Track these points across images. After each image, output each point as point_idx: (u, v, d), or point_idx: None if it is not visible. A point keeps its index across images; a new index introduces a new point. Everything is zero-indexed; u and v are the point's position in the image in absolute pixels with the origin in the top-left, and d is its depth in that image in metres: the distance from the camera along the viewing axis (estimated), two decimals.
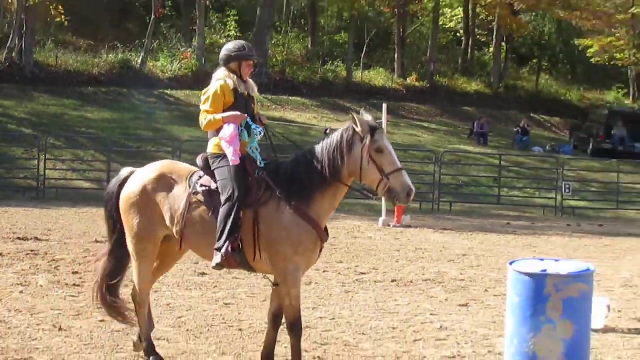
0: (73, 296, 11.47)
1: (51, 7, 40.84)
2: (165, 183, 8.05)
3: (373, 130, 7.51)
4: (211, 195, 7.76)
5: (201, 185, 7.85)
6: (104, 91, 41.21)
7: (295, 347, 7.78)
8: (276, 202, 7.63)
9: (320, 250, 7.88)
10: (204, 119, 7.90)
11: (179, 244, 8.04)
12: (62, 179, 29.13)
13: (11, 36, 40.77)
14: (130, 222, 8.08)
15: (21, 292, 11.57)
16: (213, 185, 7.78)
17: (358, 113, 7.68)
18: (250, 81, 8.21)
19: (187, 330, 8.74)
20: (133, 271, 8.25)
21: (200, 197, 7.83)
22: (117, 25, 48.40)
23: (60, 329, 9.57)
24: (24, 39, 40.37)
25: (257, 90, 8.32)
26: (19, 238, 16.65)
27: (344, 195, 7.96)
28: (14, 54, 40.68)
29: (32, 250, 15.17)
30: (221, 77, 7.97)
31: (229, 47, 8.13)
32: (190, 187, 7.92)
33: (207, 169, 7.92)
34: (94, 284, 8.59)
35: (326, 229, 7.83)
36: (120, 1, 51.49)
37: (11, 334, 9.23)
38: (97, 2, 50.70)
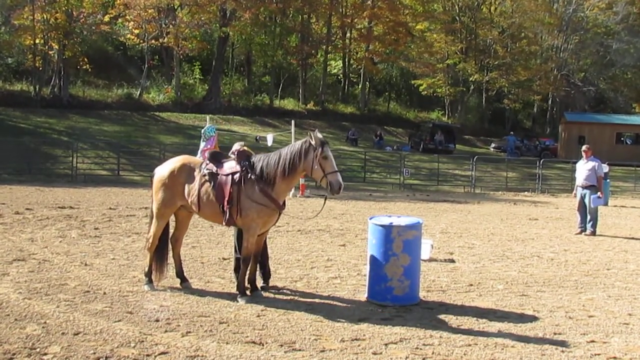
0: (94, 244, 11.21)
1: (79, 59, 41.24)
2: (186, 169, 7.96)
3: (323, 144, 7.48)
4: (212, 175, 7.75)
5: (207, 169, 7.81)
6: (115, 113, 41.00)
7: (242, 271, 7.81)
8: (251, 183, 7.62)
9: (279, 215, 7.88)
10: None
11: (194, 209, 7.87)
12: (87, 169, 28.70)
13: (53, 77, 41.54)
14: (158, 195, 7.98)
15: (60, 241, 11.28)
16: (214, 169, 7.77)
17: (314, 132, 7.59)
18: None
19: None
20: (151, 226, 8.09)
21: (207, 177, 7.75)
22: (123, 70, 47.43)
23: (86, 264, 9.38)
24: (62, 79, 40.97)
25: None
26: (59, 207, 16.22)
27: (296, 183, 7.94)
28: (55, 89, 41.23)
29: (67, 215, 14.81)
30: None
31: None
32: (201, 171, 7.87)
33: (212, 160, 7.89)
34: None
35: (284, 202, 7.81)
36: (125, 55, 50.29)
37: (53, 268, 9.02)
38: (110, 55, 49.72)
